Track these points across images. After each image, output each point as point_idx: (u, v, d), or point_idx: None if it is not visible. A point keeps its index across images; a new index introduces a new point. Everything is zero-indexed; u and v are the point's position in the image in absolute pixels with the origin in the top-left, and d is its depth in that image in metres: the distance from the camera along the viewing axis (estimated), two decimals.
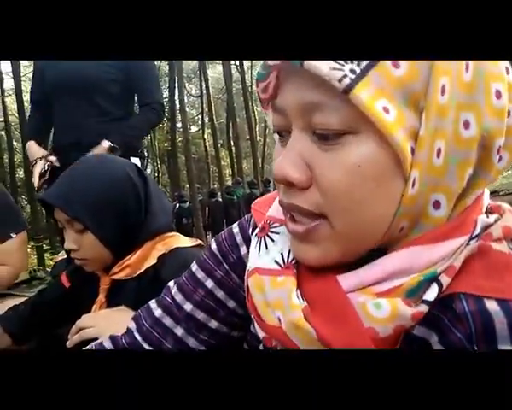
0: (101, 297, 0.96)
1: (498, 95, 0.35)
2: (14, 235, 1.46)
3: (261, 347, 0.49)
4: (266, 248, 0.45)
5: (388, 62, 0.34)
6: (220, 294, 0.55)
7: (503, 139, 0.36)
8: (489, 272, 0.35)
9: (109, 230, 0.89)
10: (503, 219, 0.38)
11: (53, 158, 1.71)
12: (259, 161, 16.63)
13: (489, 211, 0.40)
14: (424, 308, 0.35)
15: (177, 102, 13.58)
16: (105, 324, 0.84)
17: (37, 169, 1.67)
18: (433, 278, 0.35)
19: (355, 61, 0.34)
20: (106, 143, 1.64)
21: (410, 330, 0.36)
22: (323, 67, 0.33)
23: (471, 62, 0.35)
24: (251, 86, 18.56)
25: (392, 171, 0.35)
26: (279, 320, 0.39)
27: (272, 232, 0.46)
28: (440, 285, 0.35)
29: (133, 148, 1.79)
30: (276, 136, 0.41)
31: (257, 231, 0.48)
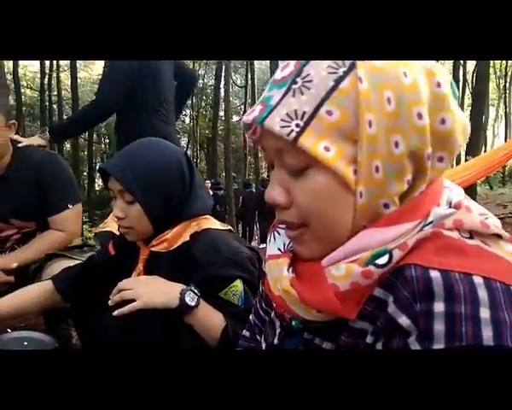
0: (140, 266, 1.10)
1: (420, 116, 0.45)
2: (70, 206, 1.64)
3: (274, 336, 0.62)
4: (274, 240, 0.59)
5: (324, 113, 0.45)
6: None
7: (430, 149, 0.46)
8: (437, 250, 0.43)
9: (154, 205, 1.01)
10: (457, 213, 0.46)
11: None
12: None
13: (452, 207, 0.47)
14: (373, 268, 0.44)
15: (221, 91, 13.73)
16: (142, 289, 0.98)
17: None
18: (385, 252, 0.45)
19: (299, 117, 0.45)
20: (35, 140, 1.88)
21: (372, 291, 0.46)
22: (275, 126, 0.46)
23: (392, 96, 0.44)
24: None
25: (342, 190, 0.46)
26: (279, 290, 0.52)
27: (279, 228, 0.59)
28: (391, 255, 0.44)
29: None
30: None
31: (271, 227, 0.62)
